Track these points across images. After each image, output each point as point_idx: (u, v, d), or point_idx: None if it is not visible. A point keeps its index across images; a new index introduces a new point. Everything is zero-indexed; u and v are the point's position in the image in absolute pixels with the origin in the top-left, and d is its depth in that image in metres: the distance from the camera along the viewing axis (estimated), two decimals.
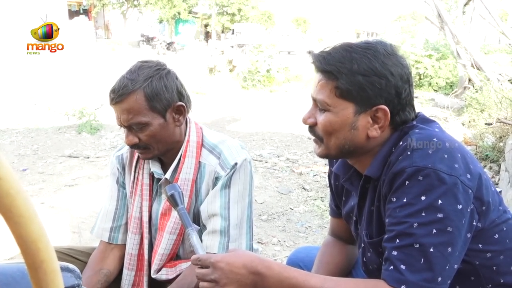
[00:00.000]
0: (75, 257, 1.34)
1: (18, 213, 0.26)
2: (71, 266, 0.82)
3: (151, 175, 1.31)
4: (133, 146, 1.21)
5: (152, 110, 1.16)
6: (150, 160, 1.29)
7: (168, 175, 1.25)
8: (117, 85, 1.16)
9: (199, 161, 1.26)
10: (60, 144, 5.12)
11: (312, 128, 0.98)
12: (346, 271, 1.24)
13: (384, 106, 0.91)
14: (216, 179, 1.23)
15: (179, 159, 1.25)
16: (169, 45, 23.59)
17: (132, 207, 1.32)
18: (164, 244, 1.26)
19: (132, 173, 1.33)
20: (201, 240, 1.21)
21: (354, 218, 1.08)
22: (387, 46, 0.93)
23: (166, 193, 1.07)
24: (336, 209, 1.24)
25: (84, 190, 3.60)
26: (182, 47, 23.44)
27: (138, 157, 1.32)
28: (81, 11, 25.21)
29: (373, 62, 0.89)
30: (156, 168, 1.29)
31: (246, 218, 1.24)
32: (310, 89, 0.99)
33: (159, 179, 1.29)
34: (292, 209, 3.31)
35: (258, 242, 2.74)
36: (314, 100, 0.96)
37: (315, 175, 4.11)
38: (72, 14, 22.79)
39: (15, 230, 0.26)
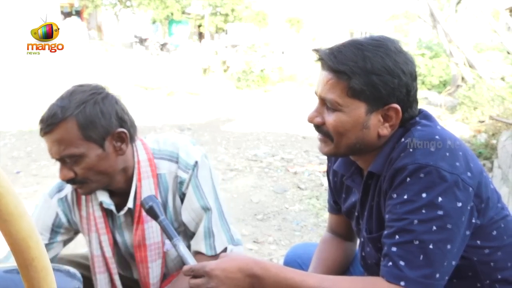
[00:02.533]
0: (77, 261, 1.32)
1: (7, 211, 0.25)
2: (71, 270, 0.81)
3: (102, 206, 1.19)
4: (69, 181, 1.09)
5: (87, 140, 1.04)
6: (97, 191, 1.17)
7: (130, 203, 1.16)
8: (46, 114, 1.04)
9: (157, 174, 1.18)
10: None
11: (320, 126, 0.96)
12: (344, 268, 1.25)
13: (396, 105, 0.90)
14: (180, 183, 1.18)
15: (136, 184, 1.16)
16: (163, 46, 23.53)
17: (92, 246, 1.21)
18: (153, 274, 1.21)
19: (84, 209, 1.21)
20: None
21: (356, 214, 1.08)
22: (396, 43, 0.92)
23: (143, 207, 1.00)
24: (335, 205, 1.24)
25: None
26: (176, 48, 23.38)
27: None
28: (74, 13, 25.08)
29: (386, 60, 0.88)
30: (104, 198, 1.17)
31: (217, 212, 1.22)
32: (316, 87, 0.96)
33: (110, 210, 1.19)
34: (287, 208, 3.31)
35: (254, 242, 2.74)
36: (322, 99, 0.94)
37: (310, 174, 4.12)
38: (65, 15, 22.65)
39: (4, 228, 0.26)
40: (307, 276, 0.88)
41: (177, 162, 1.18)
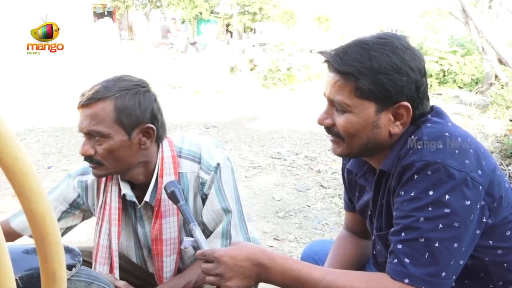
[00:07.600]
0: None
1: (30, 190, 0.31)
2: (70, 246, 0.86)
3: (122, 198, 1.23)
4: (86, 158, 1.13)
5: (117, 123, 1.09)
6: (120, 182, 1.22)
7: (147, 197, 1.19)
8: (88, 90, 1.10)
9: (179, 173, 1.21)
10: None
11: (330, 128, 0.97)
12: (359, 265, 1.25)
13: (406, 103, 0.90)
14: (202, 184, 1.21)
15: (156, 179, 1.19)
16: (192, 45, 23.82)
17: (99, 235, 1.24)
18: (167, 268, 1.24)
19: (101, 197, 1.25)
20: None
21: (369, 212, 1.09)
22: (403, 40, 0.92)
23: (166, 191, 1.06)
24: (350, 203, 1.25)
25: None
26: (204, 47, 23.61)
27: (106, 180, 1.25)
28: (106, 13, 25.79)
29: (393, 58, 0.88)
30: (127, 190, 1.21)
31: (237, 214, 1.24)
32: (324, 89, 0.96)
33: (132, 202, 1.23)
34: (309, 206, 3.32)
35: (274, 239, 2.77)
36: (331, 100, 0.95)
37: (333, 173, 4.10)
38: (97, 16, 23.33)
39: (26, 205, 0.31)
40: (312, 268, 0.89)
41: (199, 163, 1.21)
